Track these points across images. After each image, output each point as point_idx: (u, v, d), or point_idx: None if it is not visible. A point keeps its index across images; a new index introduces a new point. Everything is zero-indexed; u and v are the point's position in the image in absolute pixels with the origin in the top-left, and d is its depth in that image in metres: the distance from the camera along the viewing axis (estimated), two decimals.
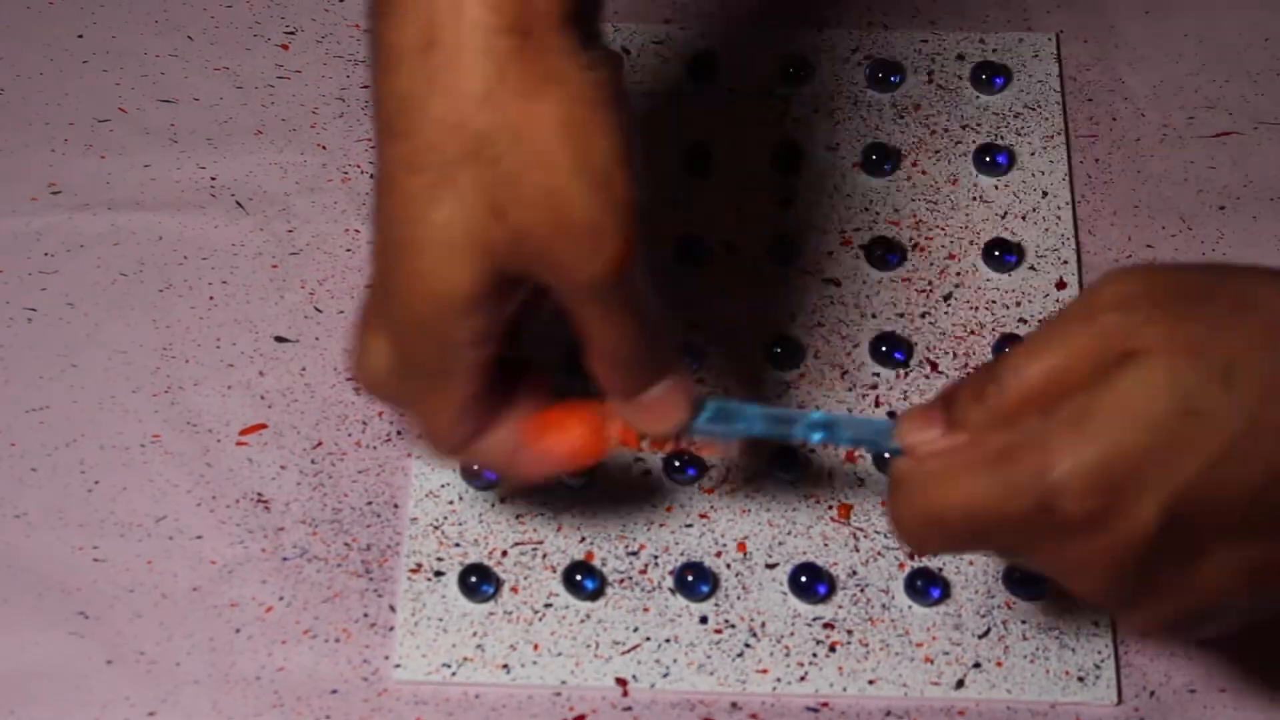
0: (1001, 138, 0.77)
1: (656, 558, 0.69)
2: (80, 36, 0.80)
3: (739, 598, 0.68)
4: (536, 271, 0.56)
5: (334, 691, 0.66)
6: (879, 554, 0.69)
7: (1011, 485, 0.54)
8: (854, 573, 0.68)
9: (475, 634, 0.67)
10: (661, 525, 0.69)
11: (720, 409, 0.61)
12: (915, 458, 0.56)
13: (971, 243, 0.75)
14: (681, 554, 0.69)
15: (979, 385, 0.56)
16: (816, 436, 0.61)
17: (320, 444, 0.71)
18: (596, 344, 0.58)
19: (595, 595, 0.68)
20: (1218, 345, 0.52)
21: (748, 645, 0.67)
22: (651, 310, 0.58)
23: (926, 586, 0.67)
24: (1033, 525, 0.54)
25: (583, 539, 0.69)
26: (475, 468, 0.68)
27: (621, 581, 0.68)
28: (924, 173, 0.77)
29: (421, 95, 0.54)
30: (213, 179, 0.76)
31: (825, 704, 0.66)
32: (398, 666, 0.66)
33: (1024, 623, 0.67)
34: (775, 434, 0.61)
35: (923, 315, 0.73)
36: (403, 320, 0.57)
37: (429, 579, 0.68)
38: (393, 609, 0.68)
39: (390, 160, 0.56)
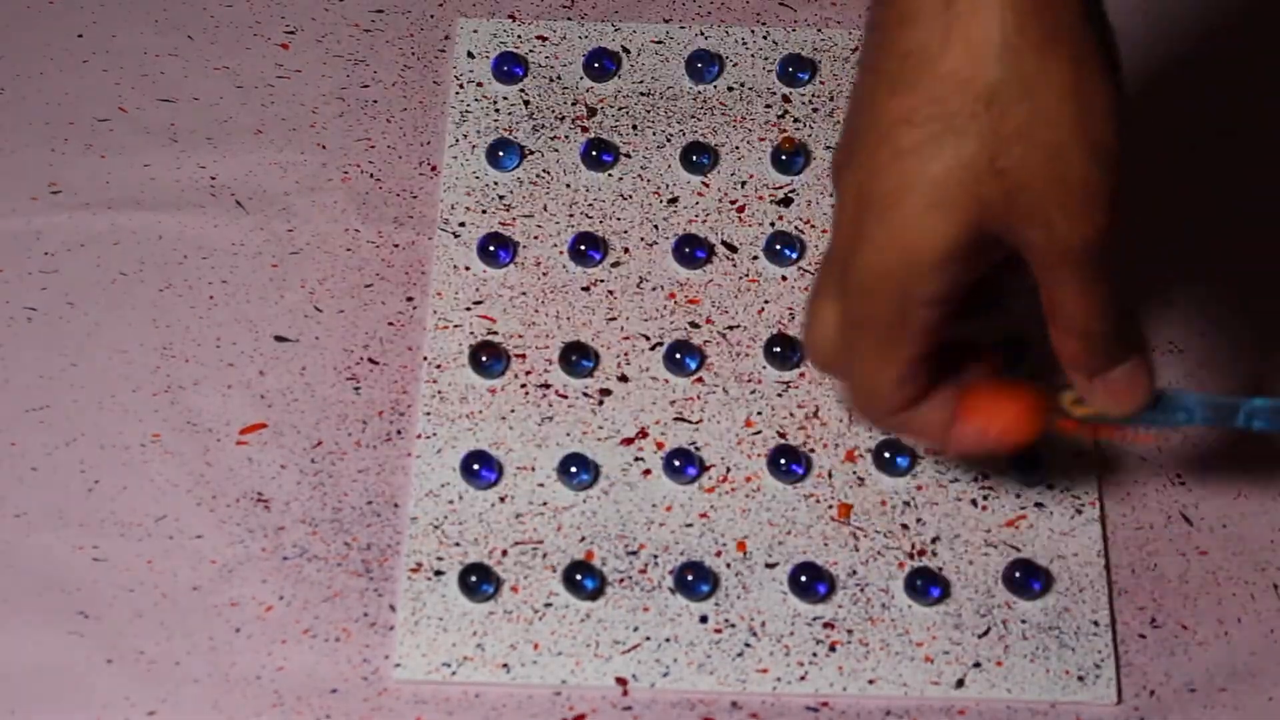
0: None
1: (656, 557, 0.69)
2: (80, 36, 0.80)
3: (739, 597, 0.68)
4: (1023, 231, 0.56)
5: (334, 691, 0.66)
6: (879, 554, 0.69)
7: None
8: (854, 572, 0.68)
9: (475, 633, 0.67)
10: (661, 525, 0.69)
11: (1167, 398, 0.60)
12: None
13: None
14: (681, 554, 0.69)
15: None
16: (1259, 424, 0.60)
17: (320, 444, 0.71)
18: (1068, 314, 0.58)
19: (595, 595, 0.68)
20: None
21: (748, 645, 0.67)
22: (1123, 286, 0.58)
23: (926, 586, 0.67)
24: None
25: (583, 539, 0.69)
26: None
27: (621, 581, 0.68)
28: None
29: (936, 48, 0.55)
30: (213, 179, 0.76)
31: (825, 703, 0.66)
32: (398, 666, 0.66)
33: (1024, 623, 0.67)
34: (1218, 422, 0.61)
35: None
36: (867, 275, 0.57)
37: (429, 578, 0.68)
38: (393, 608, 0.68)
39: (887, 114, 0.56)
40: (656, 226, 0.75)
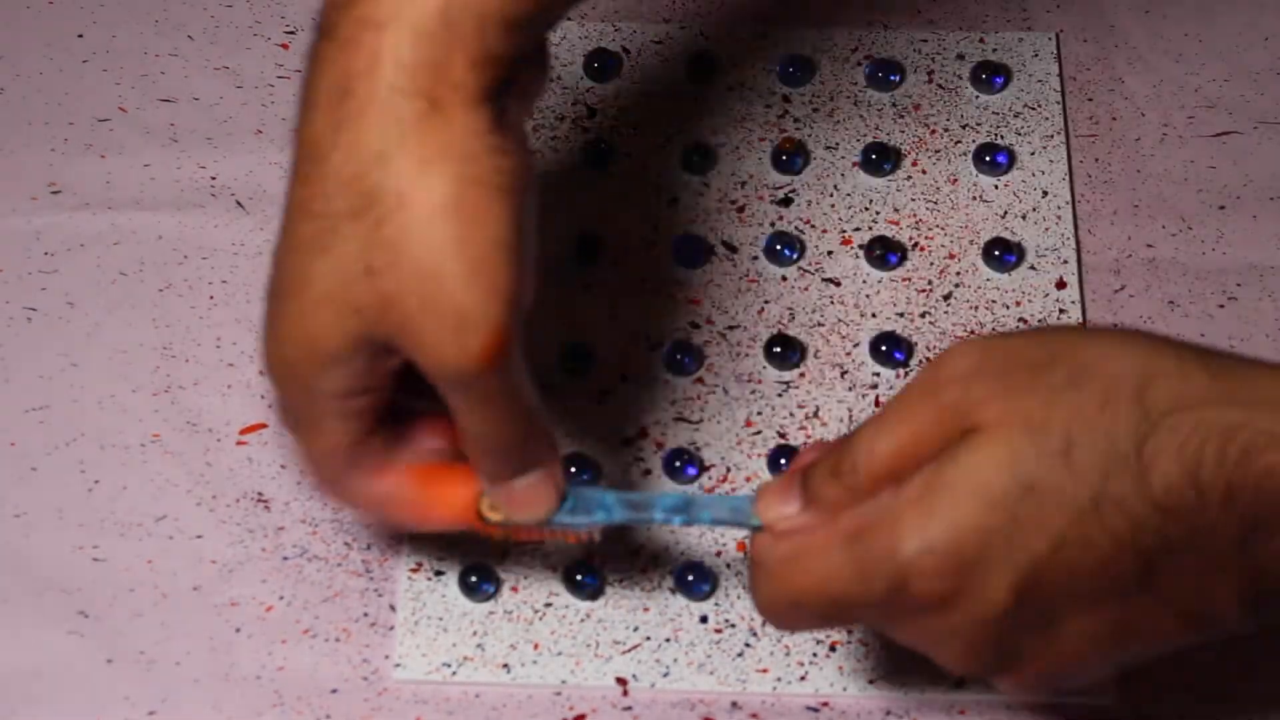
0: (1001, 137, 0.77)
1: (656, 557, 0.69)
2: (80, 36, 0.80)
3: (739, 597, 0.68)
4: (401, 345, 0.55)
5: (334, 691, 0.66)
6: None
7: (865, 566, 0.53)
8: None
9: (475, 633, 0.67)
10: (661, 524, 0.69)
11: (579, 499, 0.60)
12: (773, 535, 0.56)
13: (971, 243, 0.75)
14: (681, 554, 0.69)
15: (834, 460, 0.55)
16: (677, 520, 0.60)
17: None
18: (463, 428, 0.57)
19: (595, 595, 0.68)
20: (1056, 418, 0.52)
21: (748, 645, 0.67)
22: (524, 401, 0.57)
23: None
24: (891, 604, 0.54)
25: None
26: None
27: (621, 581, 0.68)
28: (924, 172, 0.77)
29: (327, 144, 0.54)
30: (213, 179, 0.76)
31: (825, 703, 0.66)
32: (398, 666, 0.66)
33: None
34: (635, 519, 0.61)
35: (923, 315, 0.73)
36: (274, 363, 0.57)
37: (429, 578, 0.68)
38: (393, 608, 0.68)
39: (290, 203, 0.56)
40: (656, 226, 0.75)
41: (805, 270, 0.74)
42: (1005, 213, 0.76)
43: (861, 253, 0.75)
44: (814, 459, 0.56)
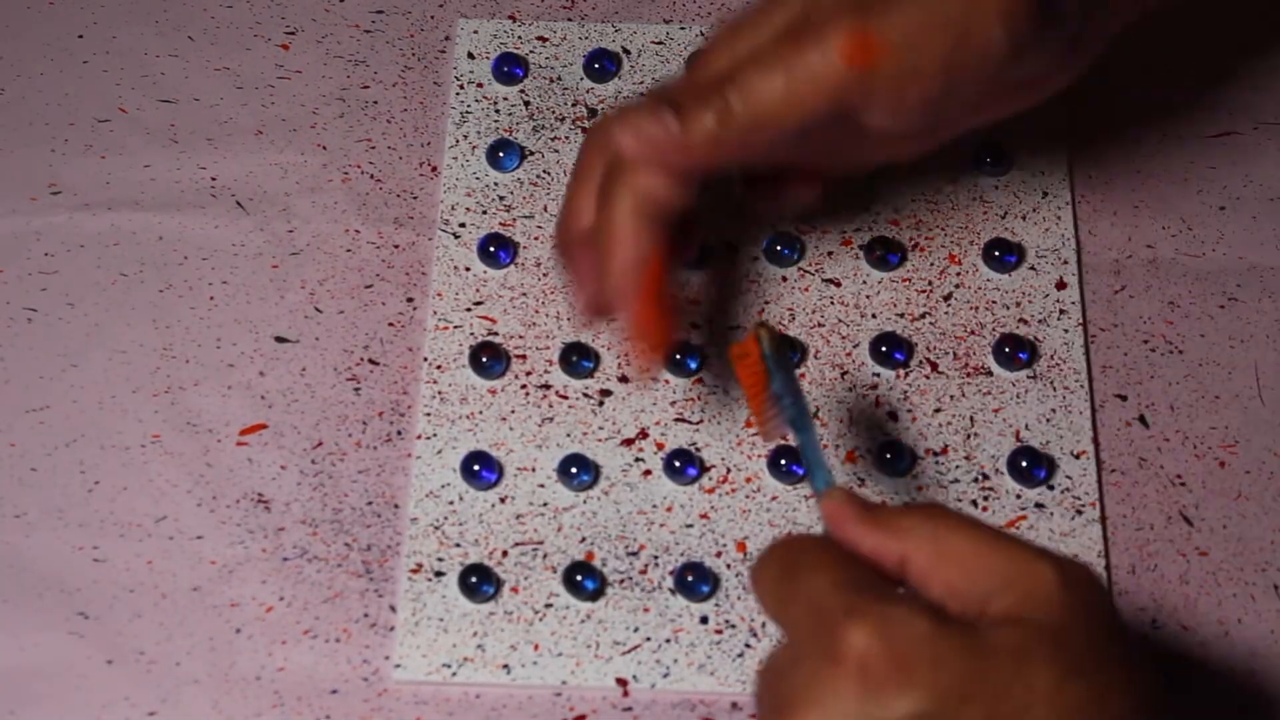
0: (1001, 138, 0.77)
1: (656, 558, 0.69)
2: (80, 36, 0.80)
3: (739, 598, 0.68)
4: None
5: (334, 691, 0.66)
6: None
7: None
8: None
9: (475, 634, 0.67)
10: (661, 525, 0.69)
11: (786, 385, 0.62)
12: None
13: (971, 243, 0.75)
14: (681, 554, 0.69)
15: None
16: (794, 437, 0.61)
17: (320, 444, 0.71)
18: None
19: (595, 595, 0.68)
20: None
21: (748, 645, 0.67)
22: None
23: None
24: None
25: (583, 539, 0.69)
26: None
27: (621, 581, 0.68)
28: (924, 173, 0.77)
29: None
30: (213, 179, 0.76)
31: None
32: (398, 666, 0.66)
33: None
34: (802, 433, 0.61)
35: (923, 315, 0.73)
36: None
37: (429, 579, 0.68)
38: (393, 609, 0.68)
39: None
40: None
41: (805, 270, 0.74)
42: (1005, 213, 0.76)
43: (861, 253, 0.75)
44: None
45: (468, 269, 0.74)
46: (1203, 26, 0.81)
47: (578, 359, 0.72)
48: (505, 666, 0.66)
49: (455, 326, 0.73)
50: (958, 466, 0.70)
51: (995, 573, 0.53)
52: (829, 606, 0.52)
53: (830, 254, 0.75)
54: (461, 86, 0.79)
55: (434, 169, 0.77)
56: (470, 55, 0.79)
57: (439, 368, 0.72)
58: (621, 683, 0.66)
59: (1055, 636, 0.52)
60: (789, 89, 0.62)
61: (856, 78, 0.62)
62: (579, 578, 0.67)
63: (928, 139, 0.68)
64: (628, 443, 0.71)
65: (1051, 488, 0.70)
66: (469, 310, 0.73)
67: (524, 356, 0.72)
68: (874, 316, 0.73)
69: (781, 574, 0.55)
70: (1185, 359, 0.73)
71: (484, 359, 0.72)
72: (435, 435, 0.71)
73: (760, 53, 0.63)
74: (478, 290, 0.74)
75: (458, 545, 0.69)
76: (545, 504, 0.69)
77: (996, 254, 0.74)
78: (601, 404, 0.71)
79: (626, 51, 0.79)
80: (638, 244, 0.64)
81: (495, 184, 0.76)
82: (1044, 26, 0.63)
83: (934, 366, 0.72)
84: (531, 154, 0.77)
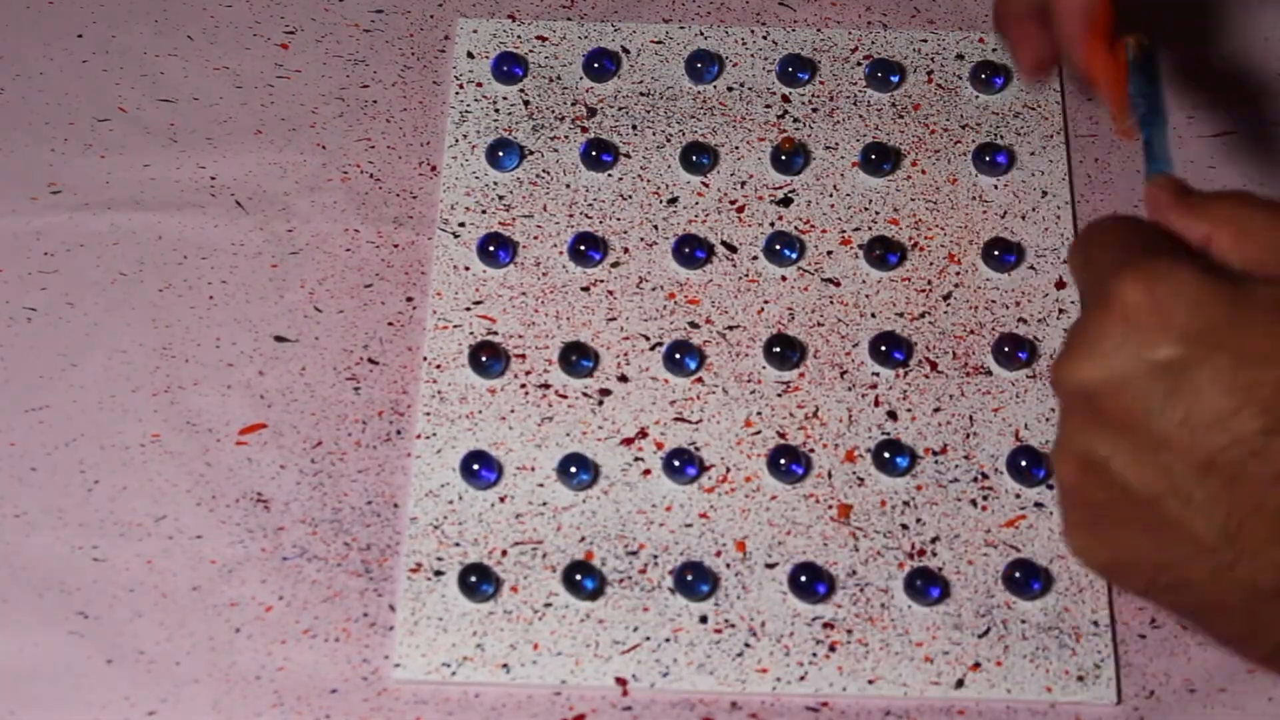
0: (1001, 138, 0.77)
1: (656, 558, 0.69)
2: (80, 36, 0.80)
3: (739, 597, 0.68)
4: None
5: (334, 691, 0.66)
6: (878, 554, 0.69)
7: None
8: (853, 572, 0.68)
9: (475, 633, 0.67)
10: (661, 525, 0.69)
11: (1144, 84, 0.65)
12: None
13: (971, 243, 0.75)
14: (681, 554, 0.69)
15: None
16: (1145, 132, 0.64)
17: (320, 444, 0.71)
18: None
19: (595, 595, 0.68)
20: None
21: (747, 645, 0.67)
22: None
23: (926, 586, 0.67)
24: None
25: (582, 538, 0.69)
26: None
27: (621, 581, 0.68)
28: (924, 173, 0.77)
29: None
30: (213, 179, 0.76)
31: (825, 704, 0.66)
32: (398, 666, 0.66)
33: (1024, 623, 0.67)
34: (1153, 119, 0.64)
35: (923, 315, 0.73)
36: None
37: (429, 579, 0.68)
38: (393, 609, 0.68)
39: None
40: (656, 226, 0.75)
41: (805, 270, 0.74)
42: (1005, 213, 0.76)
43: (861, 253, 0.75)
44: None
45: (467, 268, 0.74)
46: (1203, 26, 0.81)
47: (577, 358, 0.72)
48: (505, 666, 0.66)
49: (455, 326, 0.73)
50: (957, 466, 0.70)
51: None
52: (1110, 264, 0.54)
53: (830, 254, 0.75)
54: (461, 86, 0.79)
55: (433, 168, 0.77)
56: (470, 55, 0.79)
57: (439, 367, 0.72)
58: (621, 682, 0.66)
59: None
60: None
61: None
62: (578, 577, 0.67)
63: None
64: (627, 442, 0.71)
65: (1051, 487, 0.70)
66: (468, 310, 0.73)
67: (523, 356, 0.72)
68: (874, 316, 0.73)
69: (1085, 243, 0.57)
70: None
71: (483, 358, 0.72)
72: (435, 435, 0.71)
73: None
74: (477, 290, 0.74)
75: (457, 545, 0.69)
76: (545, 503, 0.69)
77: (996, 253, 0.74)
78: (601, 403, 0.71)
79: (626, 51, 0.79)
80: None
81: (495, 183, 0.76)
82: None
83: (934, 366, 0.72)
84: (531, 153, 0.77)
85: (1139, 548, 0.53)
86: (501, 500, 0.70)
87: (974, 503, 0.70)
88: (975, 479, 0.70)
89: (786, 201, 0.76)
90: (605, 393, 0.72)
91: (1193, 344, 0.51)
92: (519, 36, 0.80)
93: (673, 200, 0.76)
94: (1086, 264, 0.56)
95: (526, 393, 0.72)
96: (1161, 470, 0.51)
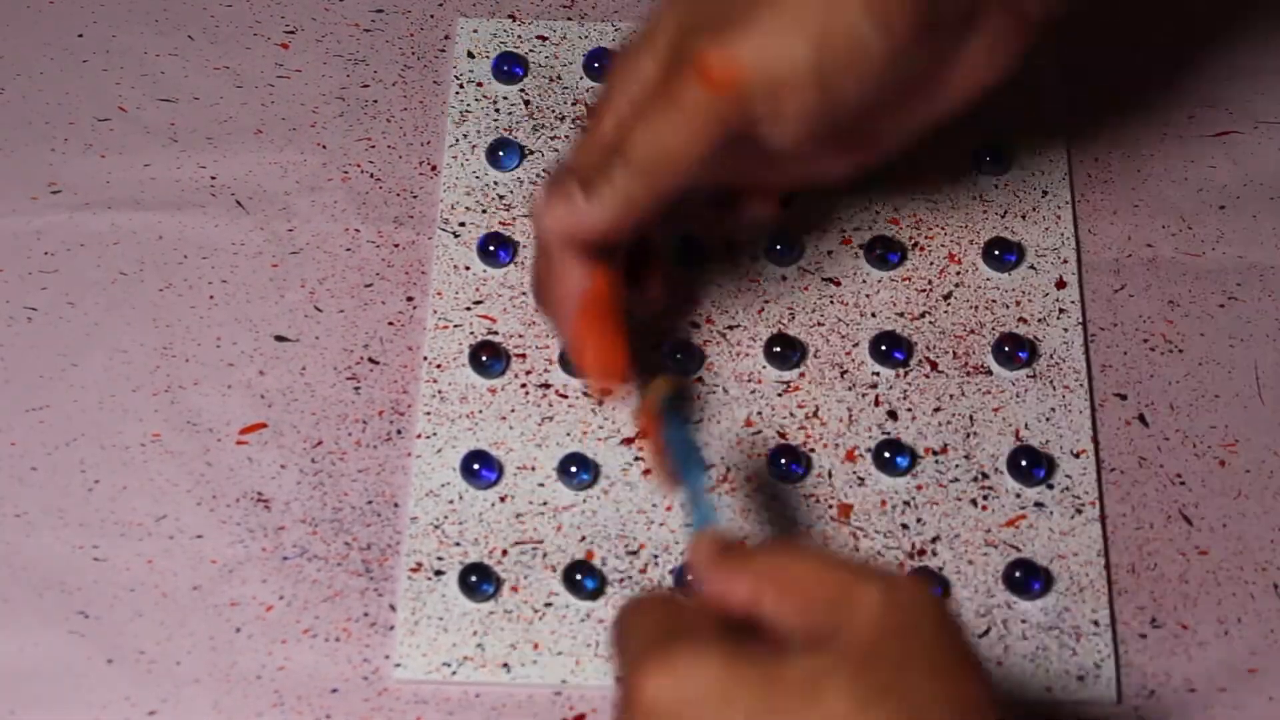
0: (1001, 137, 0.77)
1: (656, 557, 0.69)
2: (80, 36, 0.80)
3: None
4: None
5: (334, 691, 0.66)
6: (879, 554, 0.69)
7: None
8: None
9: (475, 633, 0.67)
10: (661, 525, 0.69)
11: (681, 440, 0.63)
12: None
13: (971, 242, 0.75)
14: (682, 554, 0.69)
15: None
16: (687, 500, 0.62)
17: (320, 443, 0.71)
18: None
19: (595, 595, 0.68)
20: None
21: None
22: None
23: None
24: None
25: (583, 538, 0.69)
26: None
27: (621, 581, 0.68)
28: (924, 172, 0.77)
29: None
30: (213, 178, 0.76)
31: None
32: (398, 666, 0.66)
33: (1024, 623, 0.67)
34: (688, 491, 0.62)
35: (923, 315, 0.73)
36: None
37: (429, 578, 0.68)
38: (393, 608, 0.68)
39: None
40: (656, 227, 0.75)
41: (805, 270, 0.74)
42: (1005, 212, 0.76)
43: (861, 252, 0.75)
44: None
45: (467, 268, 0.74)
46: (1203, 26, 0.81)
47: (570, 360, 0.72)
48: (505, 665, 0.66)
49: (455, 325, 0.73)
50: (957, 466, 0.70)
51: (826, 598, 0.52)
52: (633, 654, 0.52)
53: (830, 253, 0.75)
54: (461, 86, 0.79)
55: (434, 168, 0.77)
56: (470, 54, 0.79)
57: (439, 367, 0.72)
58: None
59: (862, 660, 0.50)
60: (674, 134, 0.61)
61: (730, 103, 0.61)
62: (579, 577, 0.67)
63: (855, 152, 0.68)
64: (628, 442, 0.71)
65: (1051, 487, 0.70)
66: (469, 309, 0.73)
67: (524, 355, 0.72)
68: (874, 316, 0.73)
69: (617, 625, 0.55)
70: (1185, 358, 0.73)
71: (484, 358, 0.72)
72: (435, 434, 0.71)
73: (640, 103, 0.62)
74: (477, 289, 0.74)
75: (457, 544, 0.69)
76: (545, 503, 0.69)
77: (996, 253, 0.74)
78: (601, 403, 0.71)
79: None
80: (570, 275, 0.65)
81: (495, 183, 0.76)
82: (917, 10, 0.61)
83: (934, 366, 0.72)
84: (531, 153, 0.77)
85: None
86: (502, 500, 0.70)
87: (974, 502, 0.70)
88: (975, 479, 0.70)
89: (786, 201, 0.76)
90: (606, 392, 0.72)
91: None
92: (519, 36, 0.80)
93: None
94: (619, 650, 0.54)
95: (527, 392, 0.72)
96: None
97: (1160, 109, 0.78)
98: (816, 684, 0.50)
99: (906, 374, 0.72)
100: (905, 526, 0.69)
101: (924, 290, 0.74)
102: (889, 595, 0.52)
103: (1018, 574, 0.68)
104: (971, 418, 0.71)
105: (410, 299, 0.74)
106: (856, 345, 0.73)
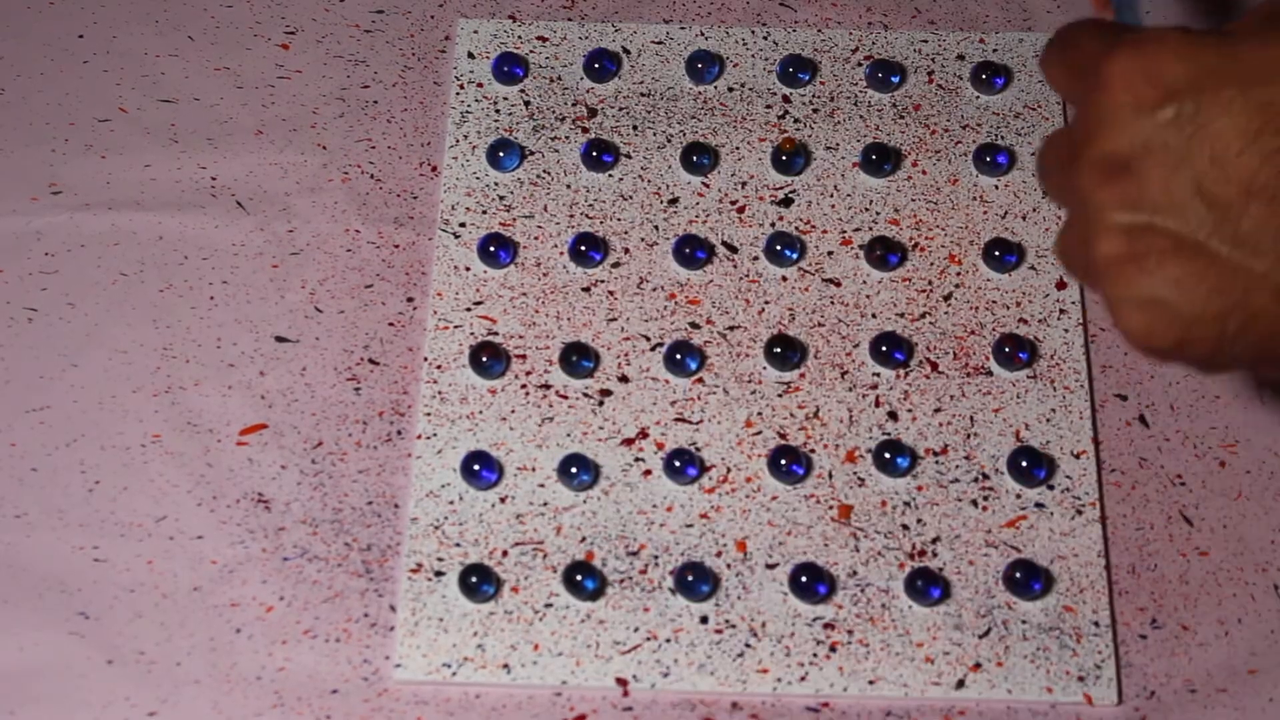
0: (1001, 138, 0.77)
1: (656, 558, 0.69)
2: (80, 36, 0.80)
3: (739, 598, 0.68)
4: None
5: (334, 691, 0.66)
6: (879, 554, 0.69)
7: None
8: (854, 573, 0.68)
9: (475, 634, 0.67)
10: (661, 525, 0.69)
11: None
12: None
13: (971, 243, 0.75)
14: (681, 554, 0.69)
15: None
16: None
17: (320, 444, 0.71)
18: None
19: (595, 595, 0.68)
20: None
21: (748, 645, 0.67)
22: None
23: (926, 586, 0.67)
24: None
25: (583, 539, 0.69)
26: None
27: (621, 581, 0.68)
28: (924, 173, 0.77)
29: None
30: (213, 179, 0.76)
31: (826, 704, 0.66)
32: (398, 666, 0.66)
33: (1024, 623, 0.67)
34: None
35: (923, 315, 0.73)
36: None
37: (429, 579, 0.68)
38: (393, 609, 0.68)
39: None
40: (656, 227, 0.75)
41: (805, 270, 0.75)
42: (1005, 213, 0.76)
43: (861, 253, 0.75)
44: None
45: (468, 269, 0.74)
46: (1203, 25, 0.80)
47: (578, 359, 0.72)
48: (505, 666, 0.66)
49: (455, 326, 0.73)
50: (958, 466, 0.70)
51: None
52: (1092, 54, 0.55)
53: (830, 254, 0.75)
54: (461, 86, 0.79)
55: (434, 169, 0.77)
56: (470, 55, 0.79)
57: (439, 367, 0.72)
58: (621, 682, 0.66)
59: None
60: None
61: None
62: (579, 577, 0.67)
63: None
64: (628, 442, 0.71)
65: (1051, 487, 0.70)
66: (469, 310, 0.73)
67: (524, 356, 0.72)
68: (874, 316, 0.73)
69: (1059, 47, 0.58)
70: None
71: (484, 359, 0.72)
72: (435, 435, 0.71)
73: None
74: (478, 290, 0.74)
75: (458, 545, 0.69)
76: (545, 504, 0.69)
77: (996, 254, 0.74)
78: (601, 404, 0.71)
79: (626, 51, 0.79)
80: None
81: (495, 184, 0.76)
82: None
83: (934, 366, 0.72)
84: (531, 154, 0.77)
85: (1199, 300, 0.53)
86: (502, 501, 0.70)
87: (974, 503, 0.70)
88: (976, 479, 0.70)
89: (787, 202, 0.76)
90: (606, 393, 0.72)
91: (1196, 90, 0.53)
92: (519, 37, 0.80)
93: (673, 201, 0.76)
94: (1065, 64, 0.57)
95: (527, 393, 0.72)
96: (1204, 210, 0.52)
97: None
98: (1268, 34, 0.53)
99: (907, 375, 0.72)
100: (906, 527, 0.69)
101: (924, 291, 0.74)
102: None
103: (1018, 574, 0.68)
104: (972, 418, 0.71)
105: (410, 300, 0.74)
106: (857, 346, 0.73)
